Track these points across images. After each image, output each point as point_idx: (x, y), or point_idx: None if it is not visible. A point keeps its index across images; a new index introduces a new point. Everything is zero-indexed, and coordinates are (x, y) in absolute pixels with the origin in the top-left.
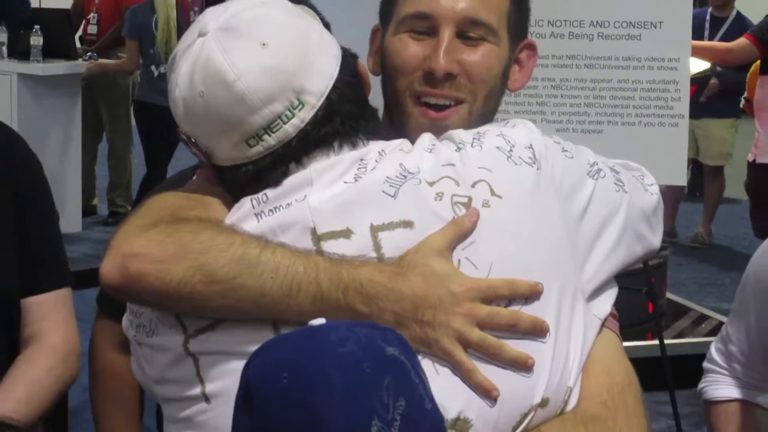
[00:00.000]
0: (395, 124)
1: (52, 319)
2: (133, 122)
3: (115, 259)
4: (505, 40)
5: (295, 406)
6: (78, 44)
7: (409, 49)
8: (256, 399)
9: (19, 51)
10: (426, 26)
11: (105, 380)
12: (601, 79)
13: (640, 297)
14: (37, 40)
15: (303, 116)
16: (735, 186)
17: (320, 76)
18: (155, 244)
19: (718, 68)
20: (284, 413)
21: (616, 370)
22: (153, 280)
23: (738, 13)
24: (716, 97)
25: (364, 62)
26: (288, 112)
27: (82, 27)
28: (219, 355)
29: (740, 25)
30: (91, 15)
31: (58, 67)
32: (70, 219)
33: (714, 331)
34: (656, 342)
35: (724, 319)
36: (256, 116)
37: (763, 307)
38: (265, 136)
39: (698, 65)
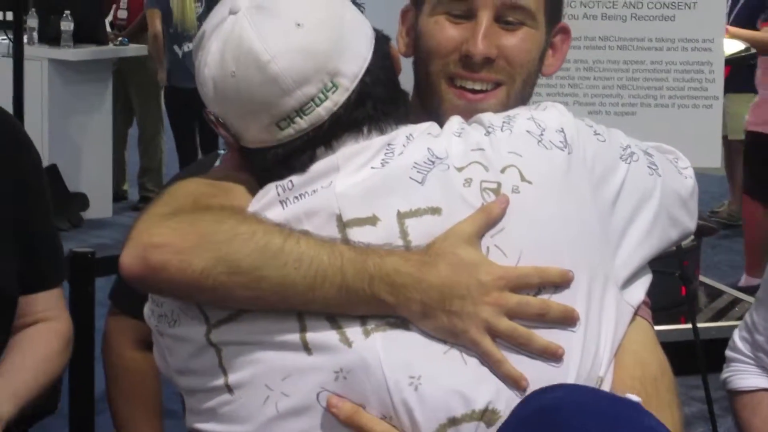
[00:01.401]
0: (427, 107)
1: (56, 308)
2: (164, 107)
3: (135, 250)
4: (542, 24)
5: None
6: (108, 29)
7: (446, 31)
8: None
9: (49, 36)
10: (464, 9)
11: (124, 378)
12: (635, 61)
13: (673, 280)
14: (67, 25)
15: (336, 99)
16: None
17: (354, 59)
18: (176, 233)
19: (753, 50)
20: None
21: (649, 360)
22: (174, 271)
23: None
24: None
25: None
26: (321, 95)
27: (112, 12)
28: (242, 345)
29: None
30: (122, 0)
31: (89, 52)
32: (100, 204)
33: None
34: (689, 326)
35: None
36: (288, 98)
37: None
38: (297, 119)
39: (732, 46)
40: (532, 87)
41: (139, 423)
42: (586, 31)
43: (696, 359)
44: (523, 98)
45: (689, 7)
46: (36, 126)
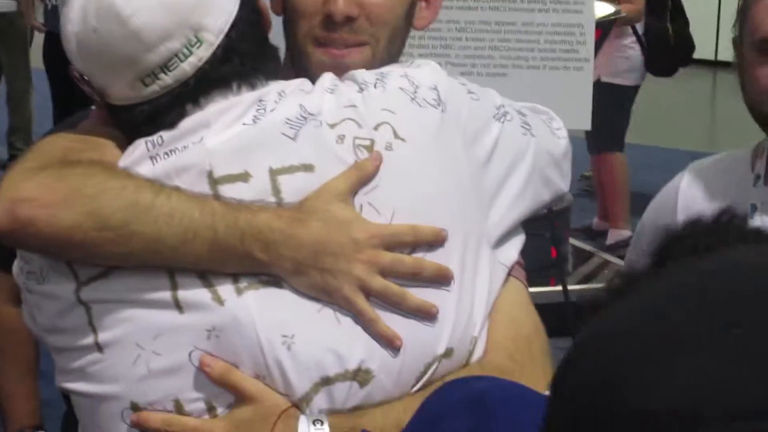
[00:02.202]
0: (296, 66)
1: None
2: (33, 64)
3: (2, 204)
4: None
5: None
6: None
7: None
8: None
9: None
10: None
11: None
12: (506, 22)
13: (543, 242)
14: None
15: (201, 54)
16: (635, 133)
17: (219, 13)
18: (44, 188)
19: (623, 13)
20: None
21: (523, 320)
22: (43, 225)
23: None
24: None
25: None
26: (185, 50)
27: None
28: (112, 303)
29: None
30: None
31: None
32: None
33: None
34: (559, 288)
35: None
36: (151, 54)
37: None
38: (162, 75)
39: (603, 9)
40: (402, 42)
41: (11, 381)
42: None
43: (566, 321)
44: (390, 55)
45: None
46: None
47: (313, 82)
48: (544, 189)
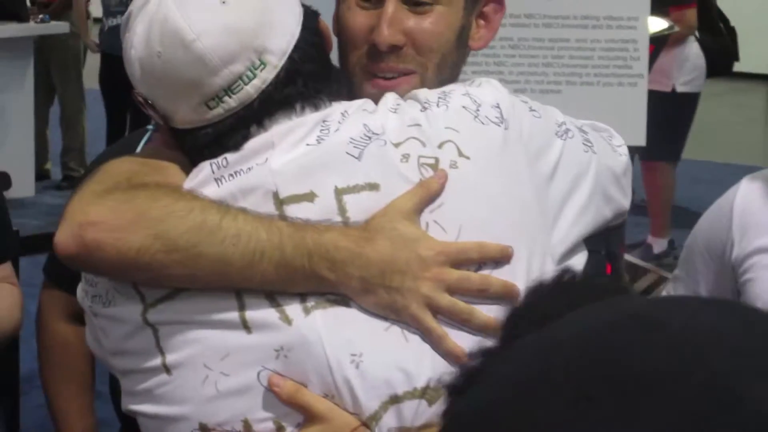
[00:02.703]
0: (350, 94)
1: (12, 278)
2: (86, 85)
3: (70, 228)
4: (458, 1)
5: None
6: (29, 5)
7: (357, 19)
8: None
9: None
10: None
11: (54, 351)
12: (560, 39)
13: (599, 258)
14: None
15: (264, 77)
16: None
17: (281, 35)
18: (111, 211)
19: (676, 27)
20: None
21: None
22: (110, 249)
23: None
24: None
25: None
26: (249, 73)
27: None
28: (179, 324)
29: None
30: None
31: (10, 29)
32: (23, 184)
33: None
34: None
35: None
36: (215, 77)
37: (715, 277)
38: (226, 98)
39: (656, 24)
40: (456, 67)
41: (68, 397)
42: (511, 9)
43: None
44: (441, 81)
45: None
46: None
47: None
48: (605, 206)
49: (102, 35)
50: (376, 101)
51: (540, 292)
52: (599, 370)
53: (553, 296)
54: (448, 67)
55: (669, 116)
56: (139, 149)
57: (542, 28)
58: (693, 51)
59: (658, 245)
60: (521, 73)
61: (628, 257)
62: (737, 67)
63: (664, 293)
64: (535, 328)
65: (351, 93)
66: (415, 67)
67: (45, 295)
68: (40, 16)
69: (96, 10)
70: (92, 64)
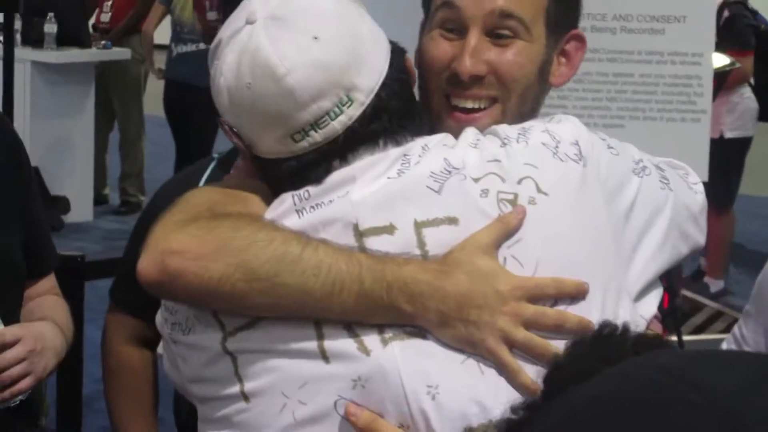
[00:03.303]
0: (428, 124)
1: (57, 289)
2: (146, 111)
3: (153, 256)
4: (540, 37)
5: None
6: (91, 31)
7: (440, 47)
8: None
9: (33, 38)
10: (455, 23)
11: (119, 374)
12: (624, 73)
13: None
14: (51, 27)
15: (351, 113)
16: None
17: (370, 72)
18: (194, 240)
19: (737, 64)
20: None
21: None
22: (192, 277)
23: None
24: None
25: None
26: (336, 109)
27: (95, 14)
28: (258, 353)
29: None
30: (106, 3)
31: (72, 54)
32: (81, 208)
33: (729, 328)
34: (674, 338)
35: (738, 315)
36: (303, 112)
37: None
38: (312, 132)
39: (719, 60)
40: (535, 102)
41: (131, 420)
42: None
43: None
44: (522, 114)
45: (679, 21)
46: (19, 128)
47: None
48: (682, 243)
49: (169, 62)
50: (455, 135)
51: (581, 346)
52: (635, 426)
53: (593, 351)
54: (529, 100)
55: (719, 162)
56: (204, 178)
57: (606, 62)
58: (745, 96)
59: (715, 285)
60: (585, 107)
61: (685, 291)
62: None
63: (735, 328)
64: (576, 383)
65: (430, 125)
66: (497, 94)
67: (111, 319)
68: (102, 42)
69: (159, 37)
70: (152, 90)
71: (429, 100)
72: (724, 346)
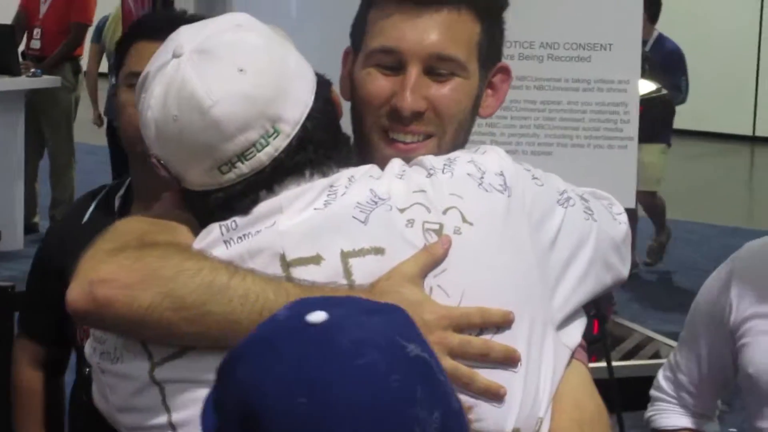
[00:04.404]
0: (362, 154)
1: None
2: (76, 138)
3: (81, 285)
4: (475, 73)
5: None
6: (20, 59)
7: (377, 83)
8: (267, 427)
9: None
10: (393, 61)
11: (23, 397)
12: (551, 101)
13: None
14: None
15: (277, 145)
16: (674, 208)
17: (296, 104)
18: (123, 269)
19: (663, 90)
20: None
21: (586, 403)
22: (120, 306)
23: (659, 34)
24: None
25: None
26: (263, 140)
27: (24, 41)
28: (186, 383)
29: (662, 47)
30: (35, 30)
31: (1, 83)
32: (11, 236)
33: (658, 354)
34: (603, 364)
35: (668, 341)
36: (230, 143)
37: (715, 340)
38: (239, 164)
39: (645, 86)
40: (467, 133)
41: None
42: None
43: (610, 398)
44: (455, 146)
45: (605, 49)
46: None
47: (379, 167)
48: (605, 273)
49: (109, 100)
50: (383, 166)
51: None
52: None
53: None
54: (463, 132)
55: None
56: (86, 217)
57: (534, 90)
58: None
59: None
60: (513, 134)
61: (614, 317)
62: (722, 128)
63: (671, 355)
64: None
65: (365, 155)
66: (434, 130)
67: (17, 345)
68: (32, 70)
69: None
70: (82, 117)
71: (364, 133)
72: (660, 372)
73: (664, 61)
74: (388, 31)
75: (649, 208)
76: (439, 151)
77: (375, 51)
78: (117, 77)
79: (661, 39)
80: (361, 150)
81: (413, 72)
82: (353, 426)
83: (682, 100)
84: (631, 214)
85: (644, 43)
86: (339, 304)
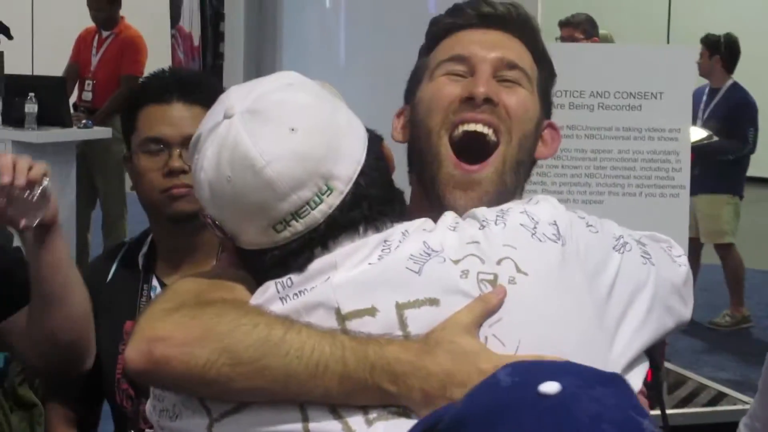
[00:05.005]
0: (424, 182)
1: None
2: (127, 189)
3: (139, 344)
4: (536, 94)
5: None
6: (72, 110)
7: (447, 87)
8: None
9: (13, 118)
10: (464, 69)
11: None
12: (602, 150)
13: None
14: (31, 107)
15: (331, 202)
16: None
17: (348, 161)
18: (180, 327)
19: (715, 137)
20: None
21: None
22: (177, 363)
23: (734, 83)
24: (709, 171)
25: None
26: (316, 198)
27: (76, 93)
28: None
29: (733, 96)
30: (87, 82)
31: (53, 134)
32: None
33: (713, 401)
34: (657, 412)
35: (722, 388)
36: (284, 203)
37: None
38: (293, 222)
39: (696, 133)
40: (528, 158)
41: None
42: (554, 120)
43: None
44: (518, 165)
45: (655, 97)
46: None
47: (442, 204)
48: (667, 316)
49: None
50: (456, 186)
51: None
52: None
53: None
54: (526, 149)
55: None
56: (111, 272)
57: (585, 139)
58: None
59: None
60: (564, 183)
61: (668, 365)
62: None
63: (754, 401)
64: None
65: (428, 175)
66: (503, 129)
67: (48, 407)
68: (83, 121)
69: None
70: None
71: (429, 144)
72: (743, 420)
73: (732, 112)
74: (456, 45)
75: (724, 265)
76: (503, 168)
77: (444, 61)
78: (129, 144)
79: (733, 88)
80: (424, 178)
81: (485, 71)
82: None
83: (750, 151)
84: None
85: (716, 91)
86: (563, 372)
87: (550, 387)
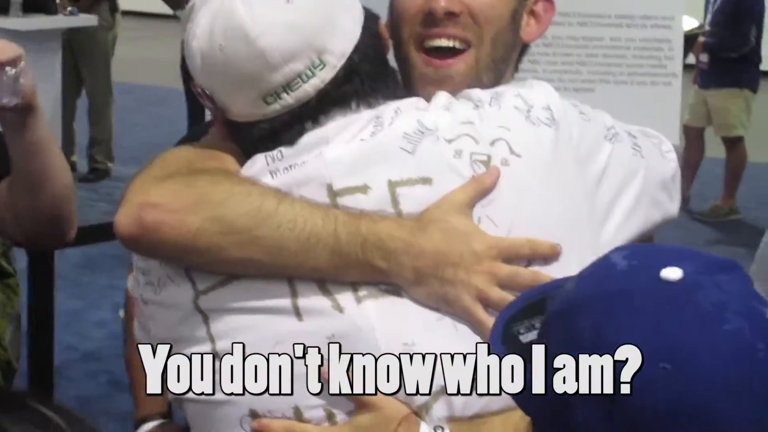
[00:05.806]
0: (403, 79)
1: None
2: (114, 77)
3: (130, 209)
4: None
5: (681, 405)
6: None
7: None
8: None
9: None
10: None
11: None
12: (594, 37)
13: None
14: None
15: (323, 76)
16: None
17: (343, 36)
18: (172, 193)
19: (708, 27)
20: (663, 411)
21: None
22: (169, 230)
23: None
24: (719, 66)
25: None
26: (308, 72)
27: None
28: (231, 312)
29: None
30: None
31: (38, 21)
32: None
33: None
34: None
35: None
36: (275, 74)
37: None
38: (284, 95)
39: (687, 23)
40: (507, 51)
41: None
42: None
43: None
44: (495, 61)
45: None
46: None
47: (418, 94)
48: (654, 210)
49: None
50: (430, 83)
51: None
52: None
53: None
54: (501, 48)
55: None
56: None
57: (576, 26)
58: None
59: None
60: (555, 71)
61: None
62: None
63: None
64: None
65: (405, 80)
66: (471, 37)
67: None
68: (69, 8)
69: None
70: (120, 56)
71: (402, 51)
72: None
73: (737, 8)
74: None
75: (727, 157)
76: (477, 65)
77: None
78: None
79: None
80: (402, 74)
81: None
82: (722, 398)
83: (748, 50)
84: (701, 154)
85: None
86: (684, 257)
87: (672, 273)
